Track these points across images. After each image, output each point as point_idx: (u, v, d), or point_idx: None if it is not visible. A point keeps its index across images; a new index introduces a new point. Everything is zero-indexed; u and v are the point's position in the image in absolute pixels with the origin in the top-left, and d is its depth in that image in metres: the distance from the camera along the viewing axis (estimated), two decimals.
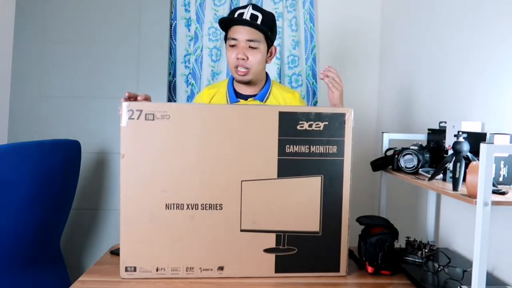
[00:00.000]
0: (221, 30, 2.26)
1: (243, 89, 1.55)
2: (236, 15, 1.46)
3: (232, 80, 1.56)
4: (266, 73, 1.59)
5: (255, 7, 1.47)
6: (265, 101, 1.54)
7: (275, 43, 1.59)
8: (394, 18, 2.16)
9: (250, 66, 1.46)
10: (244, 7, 1.47)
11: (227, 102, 1.54)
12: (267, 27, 1.46)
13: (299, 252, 1.19)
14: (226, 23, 1.49)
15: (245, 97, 1.54)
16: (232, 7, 2.26)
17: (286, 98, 1.56)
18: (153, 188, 1.14)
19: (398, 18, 2.11)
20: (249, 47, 1.45)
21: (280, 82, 2.22)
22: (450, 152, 1.07)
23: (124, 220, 1.14)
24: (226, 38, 1.52)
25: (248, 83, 1.51)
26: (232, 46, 1.47)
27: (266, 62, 1.53)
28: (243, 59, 1.45)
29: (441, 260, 1.27)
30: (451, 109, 1.52)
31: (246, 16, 1.44)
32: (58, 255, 1.90)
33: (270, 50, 1.52)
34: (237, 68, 1.47)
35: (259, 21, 1.44)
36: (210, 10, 2.24)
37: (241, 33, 1.45)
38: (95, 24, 2.19)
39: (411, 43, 1.92)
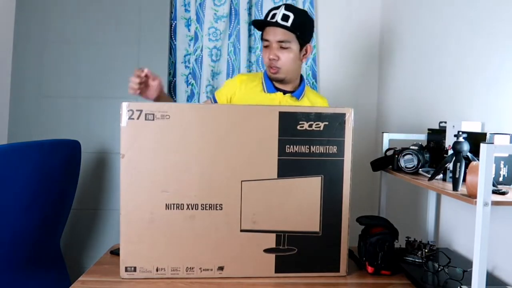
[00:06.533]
0: (221, 30, 2.29)
1: (278, 85, 1.58)
2: (269, 16, 1.49)
3: (266, 73, 1.60)
4: (301, 76, 1.62)
5: (287, 7, 1.49)
6: (300, 99, 1.58)
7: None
8: (394, 18, 2.16)
9: (280, 66, 1.51)
10: (278, 7, 1.49)
11: (264, 90, 1.57)
12: (298, 27, 1.48)
13: (299, 252, 1.19)
14: (260, 25, 1.55)
15: (284, 91, 1.57)
16: (232, 7, 2.26)
17: (317, 103, 1.61)
18: (153, 188, 1.14)
19: (398, 18, 2.11)
20: (280, 47, 1.49)
21: None
22: (450, 152, 1.07)
23: (124, 220, 1.14)
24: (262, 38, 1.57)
25: (281, 81, 1.56)
26: (266, 46, 1.52)
27: (301, 60, 1.56)
28: (275, 59, 1.50)
29: (441, 260, 1.27)
30: (451, 109, 1.52)
31: (278, 16, 1.46)
32: (58, 255, 1.90)
33: (305, 48, 1.54)
34: (269, 67, 1.53)
35: (290, 22, 1.46)
36: (210, 10, 2.24)
37: (271, 34, 1.49)
38: (95, 24, 2.19)
39: (411, 43, 1.92)
